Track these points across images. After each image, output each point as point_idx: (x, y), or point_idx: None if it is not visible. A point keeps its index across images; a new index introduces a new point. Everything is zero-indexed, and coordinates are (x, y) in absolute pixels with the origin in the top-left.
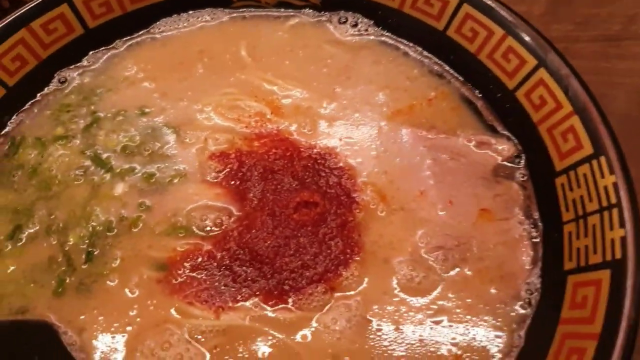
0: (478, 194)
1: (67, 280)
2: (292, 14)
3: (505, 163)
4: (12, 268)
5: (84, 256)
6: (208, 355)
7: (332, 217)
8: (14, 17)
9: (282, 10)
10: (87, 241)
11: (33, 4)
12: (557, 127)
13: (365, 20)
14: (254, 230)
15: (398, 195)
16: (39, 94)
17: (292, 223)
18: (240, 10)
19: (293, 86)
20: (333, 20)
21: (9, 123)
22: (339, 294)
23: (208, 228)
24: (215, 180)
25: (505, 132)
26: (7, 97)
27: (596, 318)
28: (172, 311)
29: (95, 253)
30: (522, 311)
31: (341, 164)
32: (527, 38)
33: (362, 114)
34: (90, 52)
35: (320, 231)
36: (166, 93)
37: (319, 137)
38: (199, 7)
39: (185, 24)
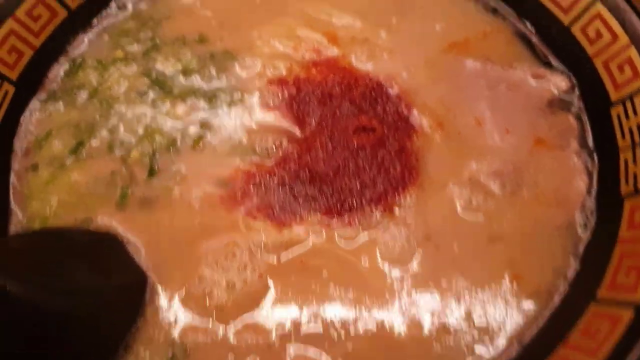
0: (534, 124)
1: (130, 193)
2: None
3: (560, 95)
4: (75, 180)
5: (146, 171)
6: (272, 265)
7: (390, 142)
8: None
9: None
10: (149, 157)
11: None
12: (614, 59)
13: None
14: (313, 152)
15: (455, 122)
16: (97, 19)
17: (351, 145)
18: None
19: (349, 17)
20: None
21: (68, 46)
22: (398, 214)
23: (268, 149)
24: (274, 104)
25: (560, 66)
26: (69, 20)
27: None
28: (235, 225)
29: (158, 168)
30: (579, 233)
31: (398, 92)
32: None
33: (418, 46)
34: None
35: (378, 154)
36: (223, 22)
37: (376, 66)
38: None
39: None
